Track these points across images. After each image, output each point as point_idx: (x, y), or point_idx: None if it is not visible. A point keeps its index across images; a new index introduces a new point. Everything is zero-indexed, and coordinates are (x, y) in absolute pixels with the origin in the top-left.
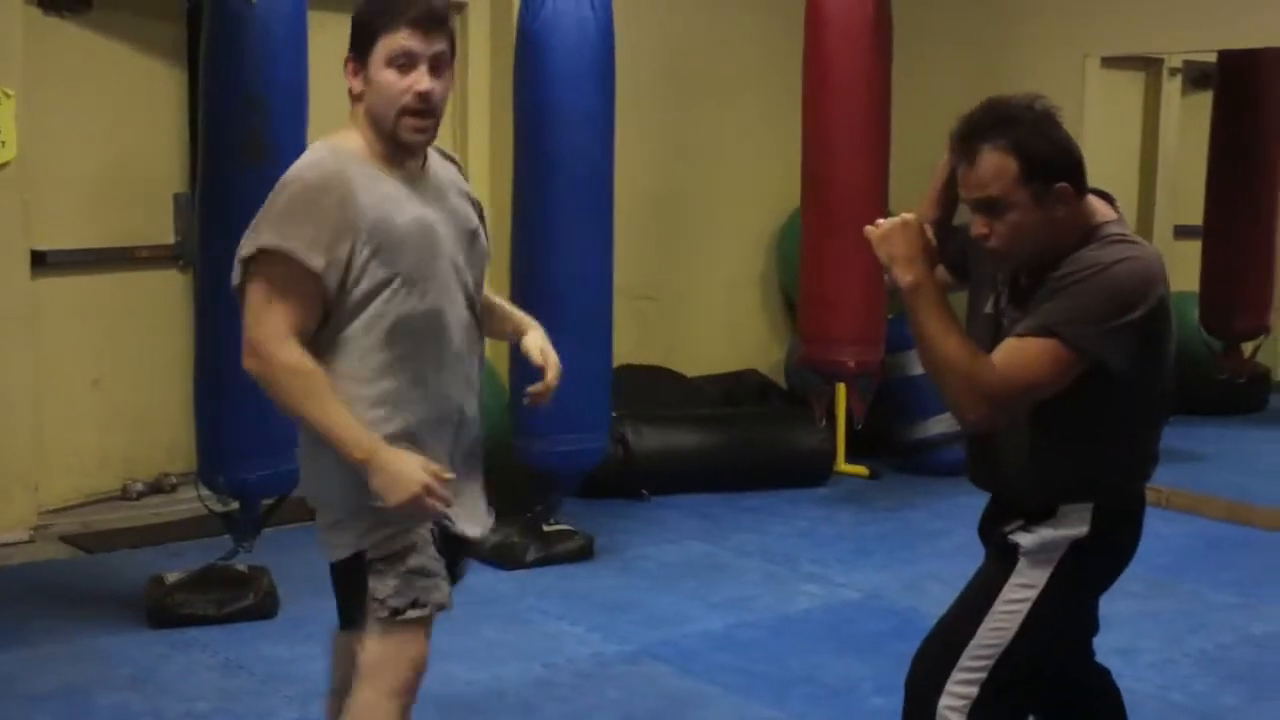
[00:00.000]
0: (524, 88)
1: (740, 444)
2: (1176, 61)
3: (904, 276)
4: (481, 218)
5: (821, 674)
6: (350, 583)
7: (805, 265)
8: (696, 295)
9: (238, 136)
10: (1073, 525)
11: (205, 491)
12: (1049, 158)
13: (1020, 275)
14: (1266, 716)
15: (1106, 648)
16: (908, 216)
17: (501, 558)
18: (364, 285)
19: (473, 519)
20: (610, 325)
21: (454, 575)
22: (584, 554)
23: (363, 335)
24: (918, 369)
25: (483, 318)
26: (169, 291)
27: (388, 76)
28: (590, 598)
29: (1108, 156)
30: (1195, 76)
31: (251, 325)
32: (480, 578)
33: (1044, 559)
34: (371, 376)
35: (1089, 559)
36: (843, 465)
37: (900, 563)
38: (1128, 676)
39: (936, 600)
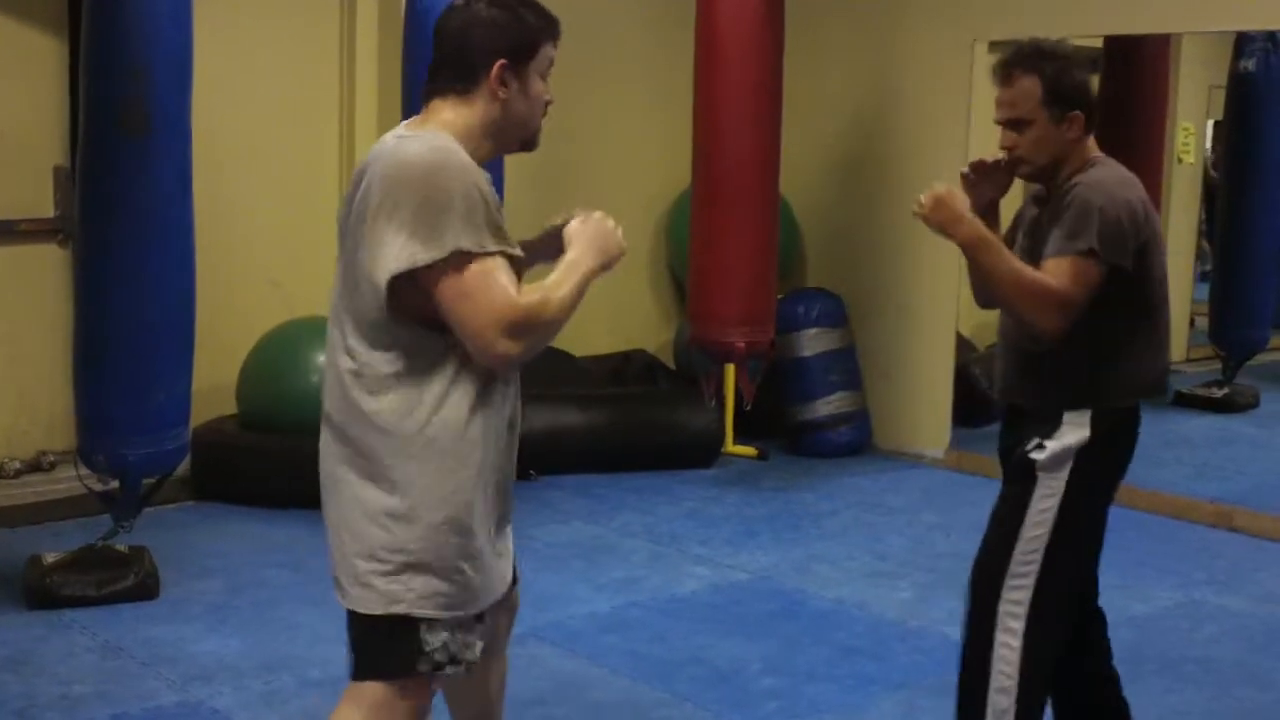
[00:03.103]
0: (413, 67)
1: (628, 424)
2: None
3: (958, 235)
4: None
5: (709, 655)
6: (390, 631)
7: (694, 245)
8: None
9: (119, 108)
10: (1075, 433)
11: (85, 470)
12: (1069, 88)
13: (1034, 213)
14: (1145, 695)
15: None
16: (939, 187)
17: None
18: None
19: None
20: None
21: None
22: None
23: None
24: (808, 350)
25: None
26: (48, 266)
27: (540, 86)
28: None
29: (995, 140)
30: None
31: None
32: None
33: (1058, 468)
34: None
35: (1094, 461)
36: (731, 446)
37: (788, 543)
38: None
39: (824, 581)
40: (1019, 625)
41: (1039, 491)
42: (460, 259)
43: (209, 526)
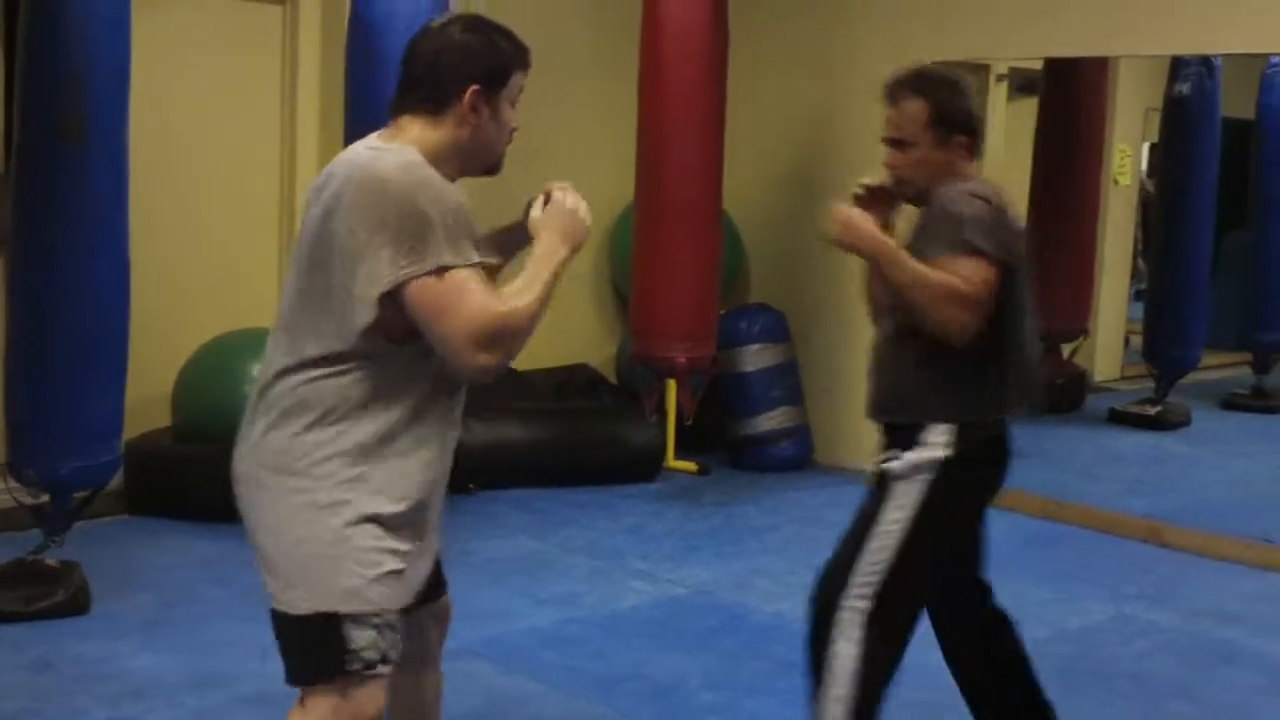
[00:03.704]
0: (355, 78)
1: (570, 439)
2: (1003, 68)
3: (867, 251)
4: None
5: (649, 670)
6: (314, 634)
7: (637, 261)
8: None
9: (56, 115)
10: (934, 448)
11: (14, 484)
12: (954, 113)
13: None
14: (1080, 709)
15: (928, 641)
16: (843, 209)
17: None
18: None
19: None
20: None
21: None
22: None
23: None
24: (749, 365)
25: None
26: None
27: (509, 113)
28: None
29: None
30: (1020, 83)
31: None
32: None
33: (914, 481)
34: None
35: (955, 479)
36: (673, 461)
37: (729, 558)
38: (948, 671)
39: (765, 595)
40: (857, 634)
41: (891, 503)
42: (440, 273)
43: (142, 541)
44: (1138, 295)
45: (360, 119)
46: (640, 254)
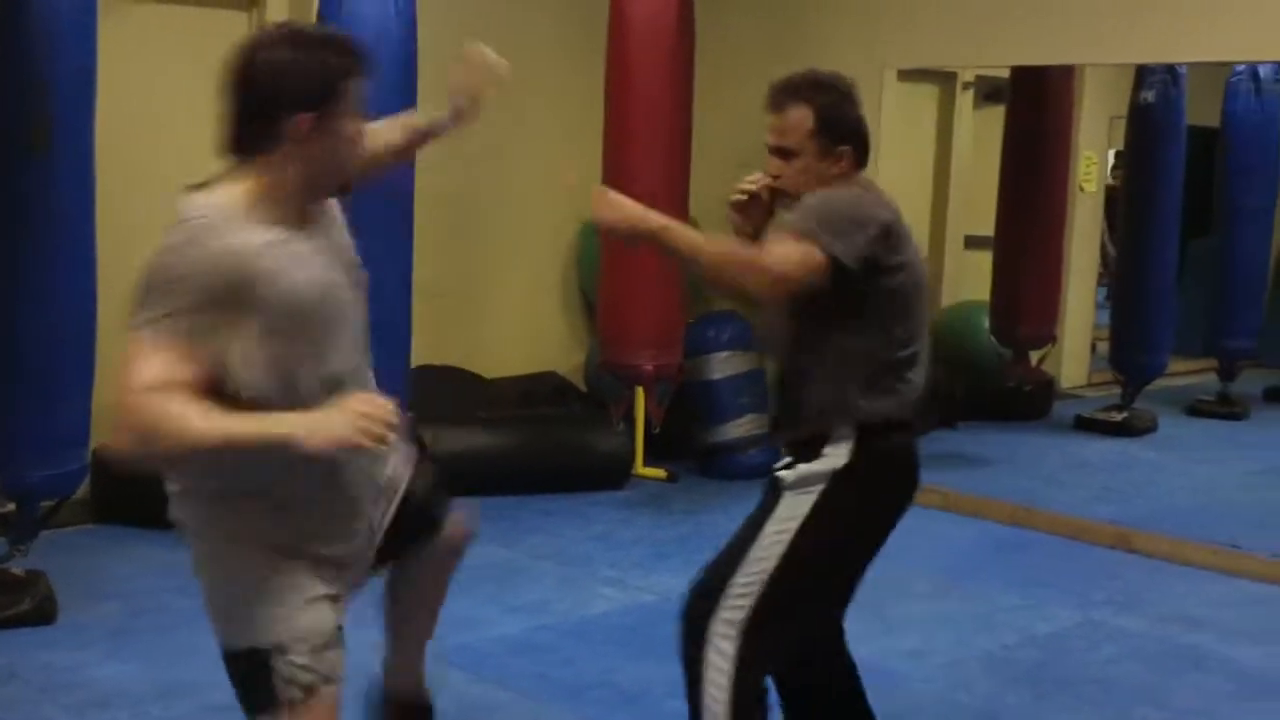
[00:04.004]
0: None
1: (538, 446)
2: (970, 76)
3: (648, 225)
4: None
5: (617, 678)
6: (249, 667)
7: (604, 268)
8: (496, 297)
9: (20, 123)
10: (831, 461)
11: None
12: (840, 122)
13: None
14: (1047, 715)
15: (896, 650)
16: (601, 189)
17: None
18: None
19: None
20: (409, 328)
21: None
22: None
23: None
24: (717, 373)
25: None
26: None
27: (351, 127)
28: (381, 602)
29: (903, 166)
30: (987, 91)
31: None
32: None
33: (805, 491)
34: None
35: (848, 493)
36: (641, 468)
37: (698, 565)
38: (916, 678)
39: None
40: (730, 647)
41: (779, 512)
42: (141, 330)
43: (108, 550)
44: (1104, 301)
45: None
46: (608, 262)
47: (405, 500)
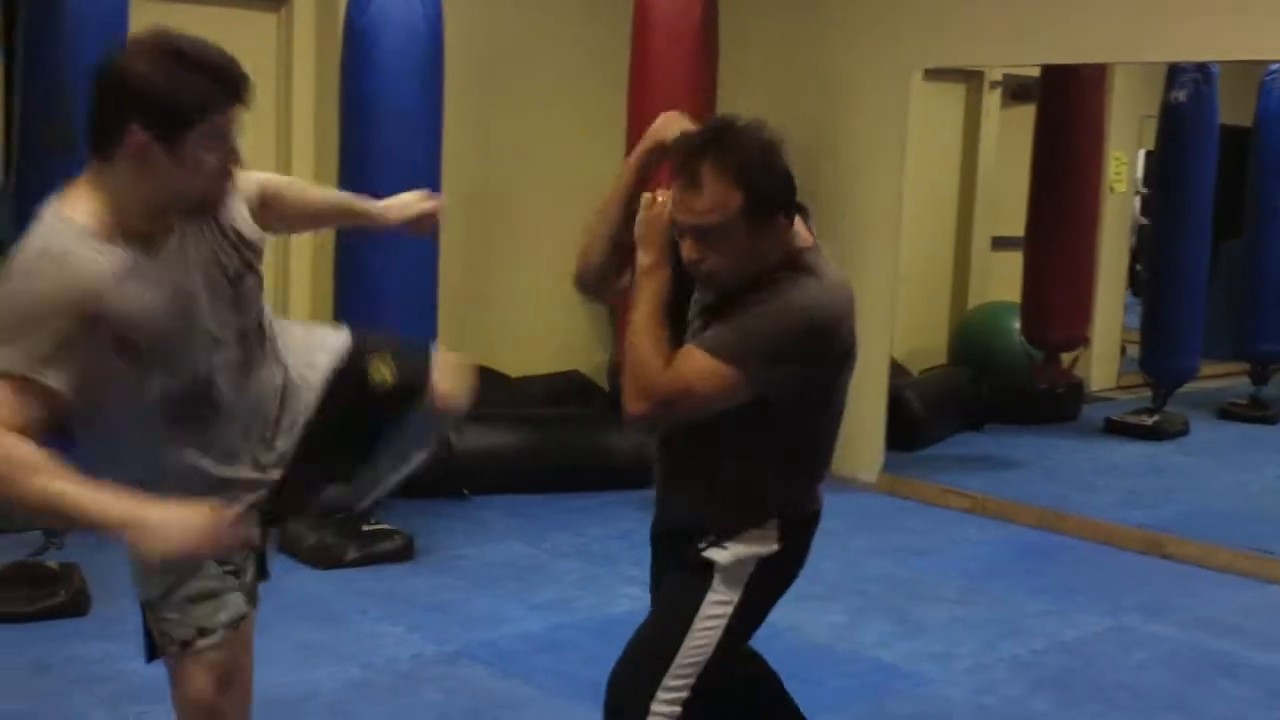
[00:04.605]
0: (350, 84)
1: (562, 445)
2: (996, 75)
3: (644, 258)
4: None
5: None
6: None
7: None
8: (521, 296)
9: (52, 126)
10: (761, 543)
11: None
12: (772, 192)
13: (709, 299)
14: None
15: (922, 654)
16: (661, 200)
17: (319, 557)
18: None
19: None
20: (435, 325)
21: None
22: (403, 554)
23: None
24: None
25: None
26: None
27: (205, 158)
28: (409, 598)
29: (929, 167)
30: (1014, 90)
31: None
32: (296, 578)
33: (737, 574)
34: None
35: (777, 571)
36: None
37: None
38: (942, 681)
39: None
40: None
41: (711, 597)
42: None
43: None
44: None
45: (355, 125)
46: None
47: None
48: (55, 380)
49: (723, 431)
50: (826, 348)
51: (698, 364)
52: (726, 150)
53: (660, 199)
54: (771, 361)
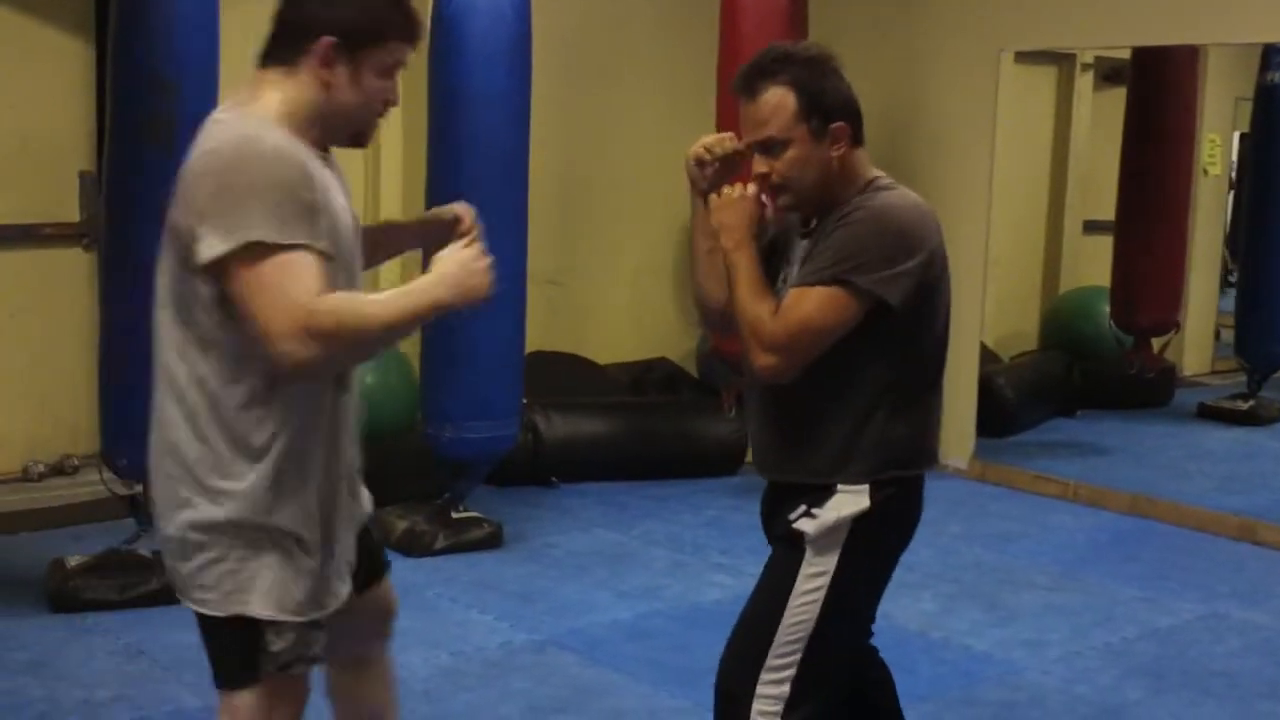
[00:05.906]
0: (439, 70)
1: (650, 432)
2: (1088, 57)
3: (727, 241)
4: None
5: None
6: (234, 633)
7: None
8: (608, 282)
9: (144, 116)
10: (852, 504)
11: (108, 474)
12: (826, 94)
13: (795, 239)
14: (1169, 710)
15: (1013, 640)
16: (747, 190)
17: (409, 545)
18: None
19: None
20: (523, 311)
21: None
22: (492, 542)
23: None
24: None
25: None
26: (73, 271)
27: (375, 83)
28: (498, 586)
29: (1020, 150)
30: (1106, 72)
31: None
32: None
33: (830, 542)
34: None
35: (873, 535)
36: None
37: None
38: (1034, 669)
39: None
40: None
41: (805, 570)
42: (257, 250)
43: None
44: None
45: (443, 112)
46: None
47: (366, 533)
48: (328, 246)
49: (814, 374)
50: (919, 247)
51: (805, 299)
52: (779, 61)
53: (736, 191)
54: (871, 267)
